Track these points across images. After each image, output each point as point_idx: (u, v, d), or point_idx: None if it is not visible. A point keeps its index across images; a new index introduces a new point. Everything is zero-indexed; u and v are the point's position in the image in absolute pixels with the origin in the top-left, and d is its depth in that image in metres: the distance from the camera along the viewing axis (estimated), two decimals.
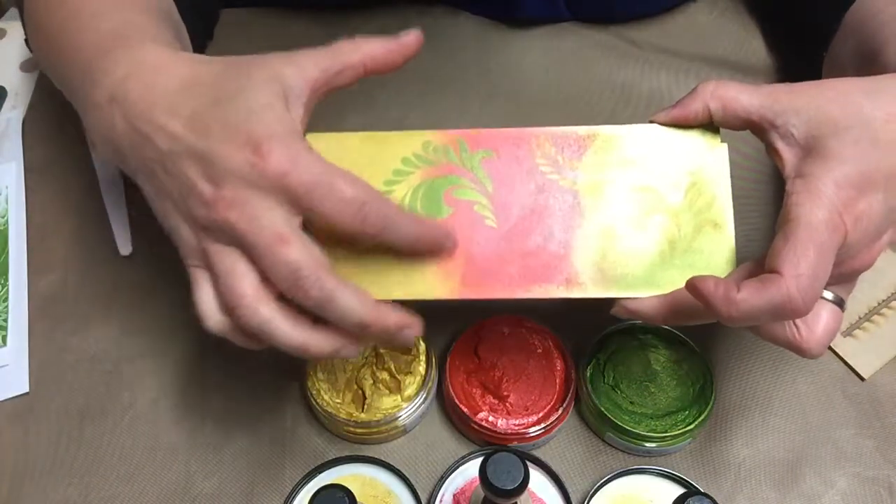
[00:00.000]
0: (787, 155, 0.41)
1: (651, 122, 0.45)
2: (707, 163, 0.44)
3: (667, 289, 0.43)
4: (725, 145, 0.44)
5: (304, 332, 0.40)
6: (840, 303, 0.42)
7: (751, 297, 0.37)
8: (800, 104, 0.41)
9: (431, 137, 0.45)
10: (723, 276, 0.42)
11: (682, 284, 0.42)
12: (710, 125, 0.44)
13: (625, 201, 0.44)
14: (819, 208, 0.38)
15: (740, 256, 0.58)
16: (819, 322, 0.41)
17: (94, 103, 0.44)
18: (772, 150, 0.42)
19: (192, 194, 0.40)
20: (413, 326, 0.41)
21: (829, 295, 0.42)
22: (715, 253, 0.44)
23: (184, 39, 0.56)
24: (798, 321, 0.41)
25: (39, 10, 0.54)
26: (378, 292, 0.43)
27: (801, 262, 0.37)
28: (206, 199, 0.39)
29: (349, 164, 0.42)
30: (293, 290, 0.38)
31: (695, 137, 0.44)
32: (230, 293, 0.39)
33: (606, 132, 0.45)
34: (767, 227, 0.60)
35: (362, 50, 0.42)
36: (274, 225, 0.38)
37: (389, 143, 0.45)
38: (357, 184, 0.39)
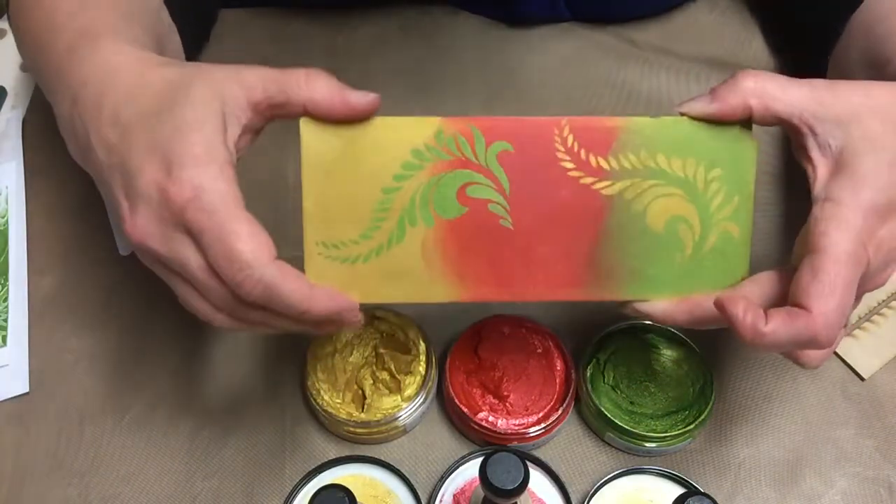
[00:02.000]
0: (821, 167, 0.40)
1: (682, 114, 0.41)
2: (734, 161, 0.42)
3: (682, 290, 0.43)
4: (756, 144, 0.42)
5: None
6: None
7: (778, 329, 0.37)
8: (843, 113, 0.39)
9: (443, 125, 0.41)
10: (738, 278, 0.43)
11: (697, 287, 0.43)
12: (747, 135, 0.41)
13: (646, 199, 0.42)
14: (847, 241, 0.38)
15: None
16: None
17: (61, 105, 0.44)
18: (804, 156, 0.41)
19: (118, 210, 0.40)
20: (352, 310, 0.40)
21: None
22: (731, 256, 0.43)
23: (168, 39, 0.55)
24: None
25: (21, 13, 0.55)
26: (388, 295, 0.42)
27: (830, 300, 0.37)
28: (126, 219, 0.39)
29: (353, 156, 0.41)
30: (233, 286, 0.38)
31: (726, 133, 0.41)
32: (191, 308, 0.40)
33: (633, 125, 0.41)
34: (769, 229, 0.60)
35: (306, 93, 0.40)
36: (188, 260, 0.38)
37: (398, 131, 0.41)
38: (251, 241, 0.37)
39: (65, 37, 0.47)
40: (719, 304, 0.39)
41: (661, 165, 0.42)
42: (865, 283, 0.40)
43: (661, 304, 0.43)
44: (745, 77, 0.41)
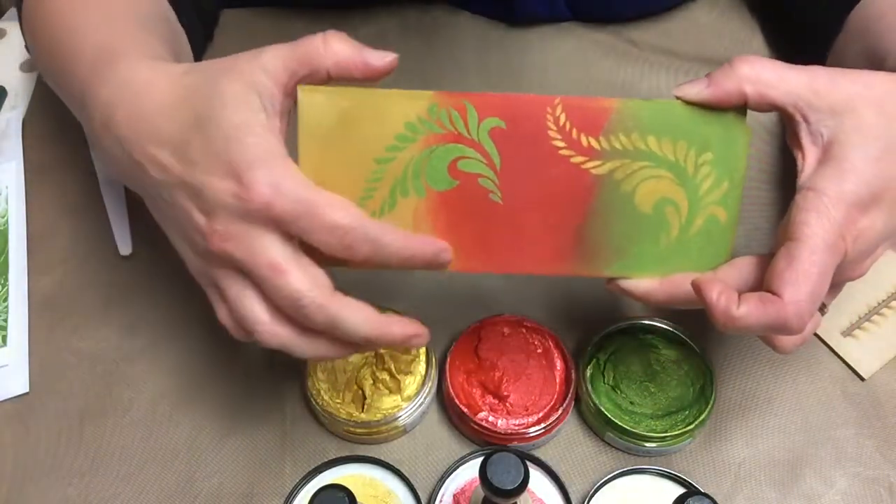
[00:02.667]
0: (810, 156, 0.40)
1: (677, 97, 0.42)
2: (726, 146, 0.42)
3: (665, 270, 0.43)
4: (749, 130, 0.42)
5: (320, 345, 0.41)
6: (821, 308, 0.42)
7: (749, 314, 0.38)
8: (838, 102, 0.40)
9: (437, 100, 0.41)
10: (720, 262, 0.43)
11: (680, 267, 0.43)
12: (741, 119, 0.42)
13: (636, 180, 0.43)
14: (825, 233, 0.38)
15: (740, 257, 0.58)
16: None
17: (92, 128, 0.44)
18: (795, 142, 0.41)
19: (189, 224, 0.40)
20: (420, 335, 0.42)
21: None
22: (715, 239, 0.43)
23: (180, 44, 0.56)
24: None
25: (35, 27, 0.55)
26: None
27: (802, 288, 0.38)
28: (202, 231, 0.39)
29: (349, 126, 0.41)
30: (298, 316, 0.39)
31: (719, 118, 0.42)
32: (244, 320, 0.40)
33: (625, 107, 0.42)
34: (768, 228, 0.60)
35: (329, 59, 0.40)
36: (269, 255, 0.38)
37: (392, 103, 0.41)
38: (341, 209, 0.38)
39: (85, 58, 0.47)
40: (696, 287, 0.40)
41: (651, 147, 0.42)
42: (842, 273, 0.41)
43: (643, 284, 0.44)
44: (741, 63, 0.41)
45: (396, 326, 0.41)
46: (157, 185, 0.41)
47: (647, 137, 0.42)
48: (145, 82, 0.43)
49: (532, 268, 0.44)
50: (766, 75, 0.40)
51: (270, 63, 0.40)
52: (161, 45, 0.49)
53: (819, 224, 0.38)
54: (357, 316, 0.39)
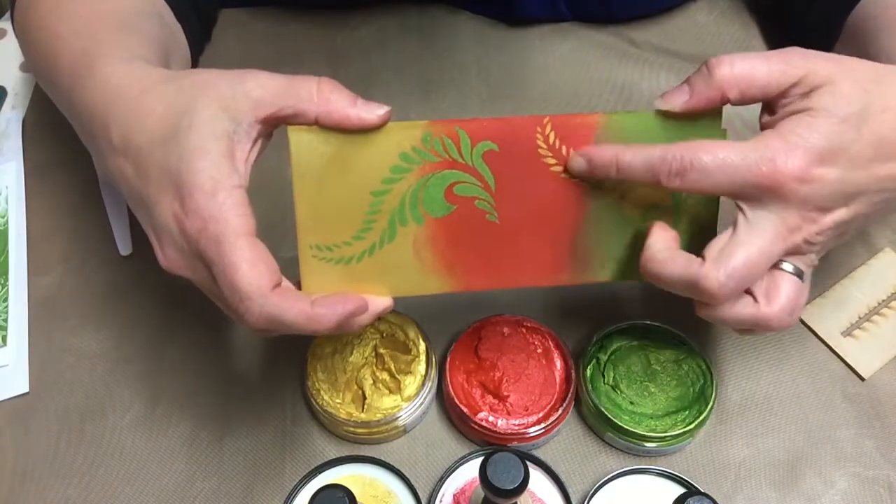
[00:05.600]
0: (782, 110, 0.41)
1: (658, 109, 0.43)
2: None
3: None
4: (725, 131, 0.44)
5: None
6: (799, 274, 0.42)
7: (669, 262, 0.41)
8: (816, 80, 0.40)
9: (430, 129, 0.42)
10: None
11: None
12: (713, 118, 0.43)
13: (624, 189, 0.44)
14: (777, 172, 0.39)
15: None
16: (779, 293, 0.41)
17: (77, 130, 0.45)
18: (766, 120, 0.42)
19: (151, 237, 0.41)
20: (357, 309, 0.40)
21: (788, 266, 0.42)
22: (698, 237, 0.44)
23: (174, 42, 0.55)
24: (757, 294, 0.41)
25: (25, 31, 0.55)
26: (382, 290, 0.43)
27: (728, 262, 0.40)
28: (156, 251, 0.41)
29: (343, 162, 0.41)
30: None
31: (696, 122, 0.43)
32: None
33: (610, 120, 0.43)
34: None
35: (318, 107, 0.40)
36: (211, 287, 0.39)
37: (386, 135, 0.42)
38: (251, 276, 0.37)
39: (66, 64, 0.47)
40: (651, 227, 0.43)
41: None
42: (797, 230, 0.40)
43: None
44: (718, 66, 0.41)
45: (326, 319, 0.39)
46: (128, 195, 0.42)
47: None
48: (118, 88, 0.42)
49: (533, 280, 0.46)
50: (744, 74, 0.41)
51: (256, 92, 0.39)
52: (143, 44, 0.48)
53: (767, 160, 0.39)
54: (289, 315, 0.38)
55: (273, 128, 0.41)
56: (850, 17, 0.57)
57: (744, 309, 0.41)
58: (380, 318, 0.55)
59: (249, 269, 0.37)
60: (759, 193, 0.40)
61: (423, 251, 0.44)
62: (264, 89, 0.39)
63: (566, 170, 0.44)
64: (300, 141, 0.41)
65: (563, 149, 0.43)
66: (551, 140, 0.43)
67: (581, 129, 0.43)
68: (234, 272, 0.37)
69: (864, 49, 0.54)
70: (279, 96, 0.39)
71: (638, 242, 0.44)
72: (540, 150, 0.43)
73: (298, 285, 0.43)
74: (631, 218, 0.45)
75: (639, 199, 0.44)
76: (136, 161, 0.40)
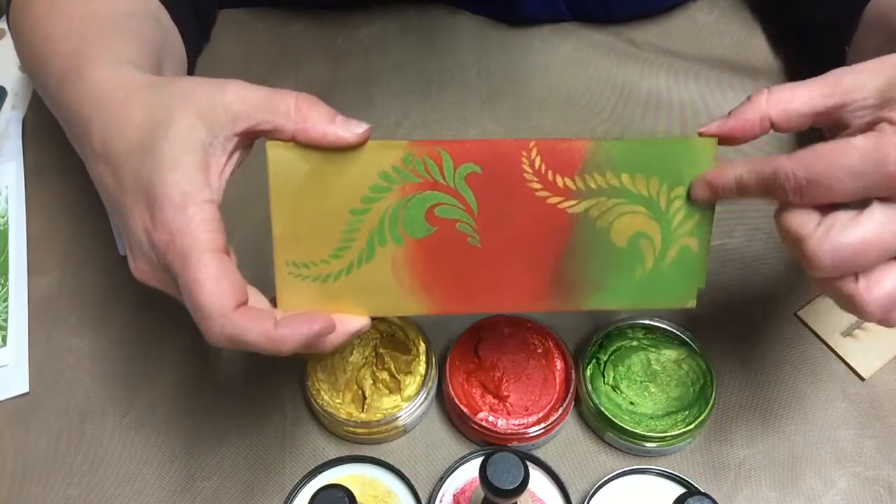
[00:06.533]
0: (862, 119, 0.39)
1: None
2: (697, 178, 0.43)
3: (642, 302, 0.44)
4: (715, 158, 0.42)
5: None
6: None
7: (742, 167, 0.39)
8: (865, 79, 0.39)
9: (412, 149, 0.41)
10: (695, 288, 0.44)
11: (656, 297, 0.44)
12: (707, 138, 0.42)
13: (611, 217, 0.43)
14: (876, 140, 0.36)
15: (740, 257, 0.58)
16: (883, 280, 0.38)
17: (70, 137, 0.45)
18: (844, 128, 0.40)
19: (125, 244, 0.41)
20: (323, 330, 0.39)
21: None
22: (689, 268, 0.44)
23: (168, 44, 0.55)
24: (861, 278, 0.38)
25: (19, 34, 0.54)
26: (358, 310, 0.43)
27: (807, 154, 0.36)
28: (129, 260, 0.40)
29: (321, 181, 0.41)
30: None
31: (689, 153, 0.42)
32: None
33: (599, 146, 0.42)
34: (768, 227, 0.60)
35: (296, 124, 0.39)
36: (178, 296, 0.39)
37: (366, 154, 0.41)
38: (214, 294, 0.37)
39: (56, 66, 0.47)
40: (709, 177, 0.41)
41: (625, 184, 0.43)
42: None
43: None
44: (758, 94, 0.40)
45: (290, 341, 0.38)
46: (104, 200, 0.42)
47: (621, 175, 0.43)
48: (101, 92, 0.42)
49: (513, 306, 0.45)
50: (783, 94, 0.39)
51: (235, 105, 0.39)
52: (135, 48, 0.48)
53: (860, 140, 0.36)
54: (251, 336, 0.37)
55: (252, 140, 0.40)
56: (867, 11, 0.55)
57: (845, 285, 0.38)
58: (380, 318, 0.55)
59: (213, 286, 0.37)
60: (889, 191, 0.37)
61: (401, 272, 0.43)
62: (244, 102, 0.39)
63: (551, 194, 0.42)
64: (278, 157, 0.40)
65: (549, 174, 0.42)
66: (537, 165, 0.42)
67: (568, 155, 0.42)
68: (197, 289, 0.36)
69: (892, 37, 0.52)
70: (258, 109, 0.39)
71: (623, 271, 0.44)
72: (525, 175, 0.42)
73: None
74: (617, 245, 0.43)
75: (626, 226, 0.43)
76: (114, 168, 0.40)
